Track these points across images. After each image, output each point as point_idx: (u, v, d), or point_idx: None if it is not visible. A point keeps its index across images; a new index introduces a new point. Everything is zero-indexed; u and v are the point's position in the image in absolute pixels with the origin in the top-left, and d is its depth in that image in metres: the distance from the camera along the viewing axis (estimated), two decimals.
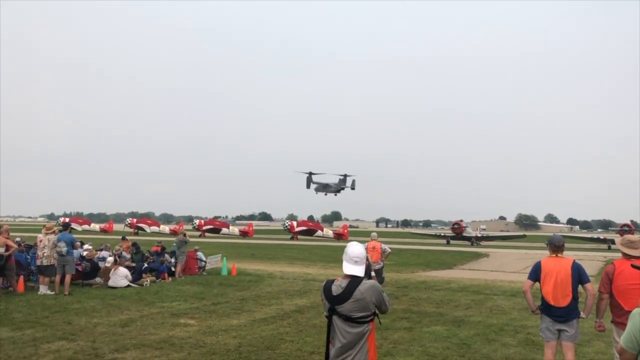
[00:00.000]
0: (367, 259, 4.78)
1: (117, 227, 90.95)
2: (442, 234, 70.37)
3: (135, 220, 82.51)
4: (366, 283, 4.21)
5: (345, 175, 73.32)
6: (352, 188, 72.86)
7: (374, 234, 15.21)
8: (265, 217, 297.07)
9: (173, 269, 19.11)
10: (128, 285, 15.95)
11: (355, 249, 4.36)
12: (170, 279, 18.06)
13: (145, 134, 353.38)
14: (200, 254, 21.02)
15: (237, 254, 33.19)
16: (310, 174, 72.17)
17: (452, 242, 62.82)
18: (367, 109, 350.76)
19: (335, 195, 73.66)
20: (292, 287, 16.53)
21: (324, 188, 72.36)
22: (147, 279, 16.90)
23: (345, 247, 4.48)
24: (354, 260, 4.29)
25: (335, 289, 4.24)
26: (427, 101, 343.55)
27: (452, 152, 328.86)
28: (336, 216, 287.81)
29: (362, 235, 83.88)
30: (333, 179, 73.51)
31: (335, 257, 31.90)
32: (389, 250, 14.97)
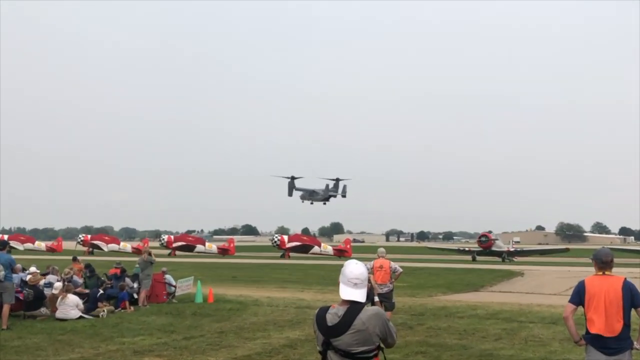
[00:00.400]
0: (370, 281, 4.82)
1: (68, 245, 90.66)
2: (467, 249, 70.69)
3: (89, 236, 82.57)
4: (368, 310, 4.20)
5: (337, 180, 73.56)
6: (343, 195, 73.36)
7: (382, 249, 15.23)
8: (249, 230, 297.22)
9: (136, 295, 19.07)
10: (80, 317, 15.90)
11: (354, 268, 4.35)
12: (132, 308, 18.02)
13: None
14: (169, 277, 21.01)
15: (214, 277, 33.08)
16: (292, 178, 72.53)
17: (478, 258, 62.96)
18: (374, 95, 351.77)
19: (324, 204, 74.42)
20: (282, 317, 16.52)
21: (310, 195, 72.76)
22: (104, 309, 16.86)
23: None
24: (352, 282, 4.27)
25: (331, 318, 4.22)
26: (450, 86, 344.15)
27: (477, 149, 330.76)
28: (337, 229, 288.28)
29: (368, 251, 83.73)
30: (320, 184, 74.03)
31: (336, 279, 31.63)
32: (400, 269, 14.97)
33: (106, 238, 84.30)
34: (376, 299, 5.17)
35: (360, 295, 4.24)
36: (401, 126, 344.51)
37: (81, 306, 16.24)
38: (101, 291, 17.92)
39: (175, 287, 20.77)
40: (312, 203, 74.38)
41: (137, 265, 20.11)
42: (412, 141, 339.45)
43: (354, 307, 4.20)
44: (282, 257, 67.07)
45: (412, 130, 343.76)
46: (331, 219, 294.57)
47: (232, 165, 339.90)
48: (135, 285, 19.58)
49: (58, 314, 15.79)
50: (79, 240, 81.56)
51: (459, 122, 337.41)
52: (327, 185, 73.11)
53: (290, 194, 73.07)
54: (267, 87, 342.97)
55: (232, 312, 17.34)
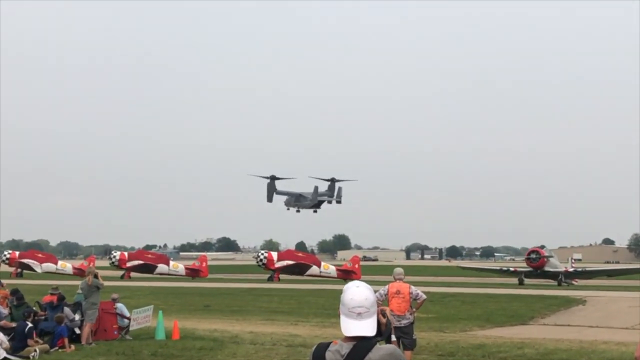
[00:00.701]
0: (385, 313, 4.79)
1: None
2: (512, 269, 70.47)
3: (17, 253, 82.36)
4: (381, 349, 4.18)
5: (333, 180, 73.41)
6: (338, 201, 73.41)
7: (399, 270, 15.26)
8: (227, 245, 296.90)
9: (78, 330, 19.06)
10: (4, 359, 15.88)
11: (355, 293, 4.32)
12: (72, 347, 18.02)
13: (33, 117, 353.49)
14: (121, 307, 21.00)
15: (181, 306, 33.06)
16: (273, 178, 72.40)
17: (527, 281, 62.88)
18: (387, 82, 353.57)
19: (315, 211, 74.60)
20: (269, 358, 16.47)
21: (296, 201, 72.75)
22: (36, 348, 16.86)
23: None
24: (355, 311, 4.23)
25: (332, 358, 4.22)
26: (482, 72, 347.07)
27: (523, 144, 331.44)
28: (342, 243, 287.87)
29: (383, 272, 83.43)
30: (309, 187, 74.38)
31: None
32: (424, 296, 14.98)
33: (39, 255, 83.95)
34: (393, 337, 5.16)
35: (367, 328, 4.20)
36: (428, 123, 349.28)
37: (6, 344, 16.25)
38: (30, 325, 17.90)
39: (129, 319, 20.73)
40: (298, 210, 74.65)
41: (80, 291, 20.13)
42: (439, 139, 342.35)
43: (361, 345, 4.17)
44: (270, 280, 66.87)
45: (442, 127, 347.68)
46: (334, 230, 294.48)
47: (204, 158, 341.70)
48: (77, 317, 19.57)
49: None
50: (4, 258, 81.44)
51: (500, 113, 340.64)
52: (316, 188, 73.14)
53: (269, 199, 73.11)
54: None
55: (203, 353, 17.33)
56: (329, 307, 33.21)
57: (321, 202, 73.66)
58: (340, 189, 73.48)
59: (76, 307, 20.21)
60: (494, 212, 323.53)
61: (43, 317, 19.78)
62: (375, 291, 15.60)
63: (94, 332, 19.37)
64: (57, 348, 17.82)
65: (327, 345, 4.28)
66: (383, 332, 4.37)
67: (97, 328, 19.77)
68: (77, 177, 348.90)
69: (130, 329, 20.66)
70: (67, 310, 19.66)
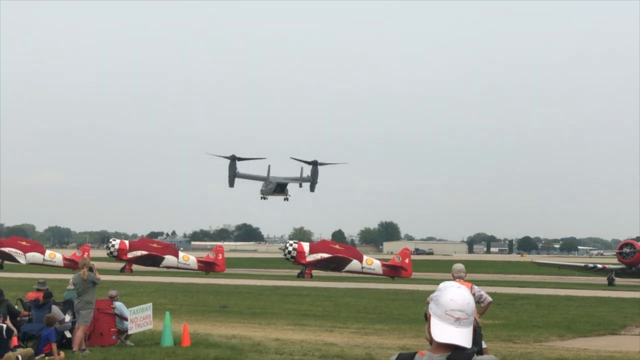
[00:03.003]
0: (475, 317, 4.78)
1: None
2: (600, 266, 69.83)
3: None
4: None
5: (316, 163, 74.38)
6: (312, 187, 74.50)
7: (460, 266, 15.28)
8: (248, 234, 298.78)
9: (68, 334, 19.27)
10: None
11: (456, 295, 4.35)
12: (62, 354, 18.24)
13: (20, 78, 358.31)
14: (120, 306, 21.18)
15: (193, 306, 33.34)
16: (234, 159, 73.79)
17: (619, 280, 62.32)
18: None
19: (286, 199, 76.24)
20: None
21: (275, 189, 74.68)
22: (18, 356, 17.07)
23: (427, 290, 4.40)
24: (454, 315, 4.26)
25: None
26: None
27: (615, 121, 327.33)
28: (389, 233, 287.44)
29: (439, 268, 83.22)
30: (290, 170, 75.62)
31: (389, 312, 31.82)
32: (489, 298, 15.02)
33: (23, 243, 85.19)
34: (484, 343, 5.18)
35: (465, 337, 4.24)
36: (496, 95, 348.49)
37: None
38: (11, 329, 18.11)
39: (129, 320, 20.89)
40: (264, 198, 76.41)
41: (72, 287, 20.32)
42: (512, 115, 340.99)
43: (457, 356, 4.21)
44: (301, 276, 67.22)
45: (516, 102, 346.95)
46: (380, 217, 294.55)
47: (218, 130, 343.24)
48: (68, 318, 19.78)
49: None
50: None
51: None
52: (269, 167, 74.86)
53: (231, 184, 75.03)
54: None
55: None
56: (373, 310, 33.27)
57: (282, 185, 74.89)
58: (316, 171, 74.32)
59: (67, 306, 20.41)
60: (578, 196, 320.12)
61: (26, 318, 20.01)
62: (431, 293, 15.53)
63: (87, 336, 19.57)
64: (43, 355, 18.02)
65: (412, 356, 4.31)
66: (474, 339, 4.39)
67: (92, 332, 19.98)
68: (68, 150, 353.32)
69: (129, 332, 20.85)
70: (55, 309, 19.85)
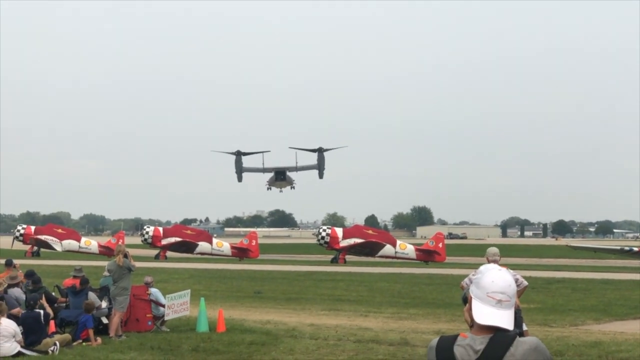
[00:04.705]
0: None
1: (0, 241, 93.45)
2: (636, 249, 69.07)
3: (32, 228, 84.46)
4: (524, 342, 4.23)
5: (320, 150, 74.30)
6: (320, 174, 74.40)
7: (494, 250, 15.21)
8: (281, 220, 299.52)
9: (105, 320, 19.45)
10: (19, 353, 16.30)
11: (497, 277, 4.37)
12: (99, 340, 18.40)
13: (56, 72, 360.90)
14: (155, 292, 21.34)
15: (227, 292, 33.51)
16: (239, 154, 74.38)
17: None
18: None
19: (292, 187, 76.66)
20: (334, 356, 16.56)
21: (279, 178, 75.10)
22: (56, 342, 17.23)
23: (460, 275, 4.40)
24: (495, 297, 4.30)
25: (463, 354, 4.27)
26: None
27: None
28: (423, 217, 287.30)
29: (473, 252, 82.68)
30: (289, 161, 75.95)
31: (423, 297, 31.79)
32: (525, 282, 15.00)
33: (59, 231, 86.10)
34: (525, 326, 5.22)
35: (506, 319, 4.27)
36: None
37: (20, 337, 16.62)
38: (49, 314, 18.30)
39: (165, 306, 21.07)
40: (269, 188, 76.99)
41: (107, 274, 20.48)
42: (545, 97, 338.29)
43: (500, 338, 4.23)
44: (334, 261, 67.30)
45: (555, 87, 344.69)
46: (413, 202, 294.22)
47: (248, 117, 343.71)
48: (105, 304, 19.95)
49: None
50: (17, 234, 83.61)
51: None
52: (262, 159, 74.98)
53: (239, 179, 75.79)
54: None
55: (254, 348, 17.53)
56: (407, 294, 33.25)
57: (280, 172, 75.12)
58: (322, 157, 74.20)
59: (103, 292, 20.60)
60: (613, 178, 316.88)
61: (63, 305, 20.22)
62: (465, 277, 15.46)
63: (124, 322, 19.74)
64: (80, 341, 18.21)
65: (454, 338, 4.35)
66: (515, 321, 4.42)
67: (128, 318, 20.16)
68: (102, 138, 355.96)
69: (166, 318, 21.01)
70: (92, 296, 20.05)
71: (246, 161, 75.15)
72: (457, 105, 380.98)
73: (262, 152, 75.27)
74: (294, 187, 78.04)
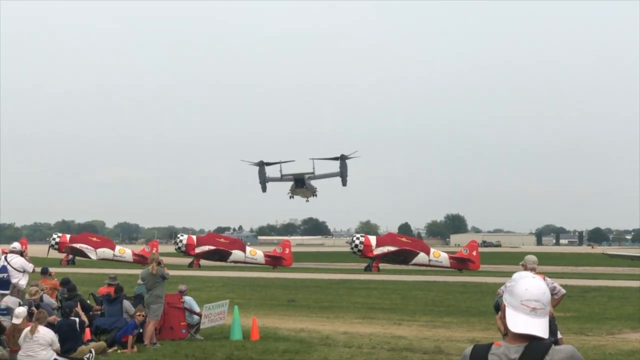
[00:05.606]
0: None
1: (35, 249, 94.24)
2: None
3: (68, 237, 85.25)
4: (560, 350, 4.24)
5: (343, 158, 73.41)
6: (344, 181, 73.19)
7: (532, 258, 15.16)
8: (315, 228, 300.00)
9: (139, 328, 19.53)
10: None
11: (531, 285, 4.39)
12: (134, 348, 18.47)
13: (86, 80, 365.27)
14: (189, 300, 21.40)
15: (261, 300, 33.55)
16: (262, 164, 74.26)
17: None
18: None
19: (314, 195, 75.70)
20: None
21: (298, 185, 74.46)
22: (91, 349, 17.33)
23: (495, 283, 4.37)
24: (529, 305, 4.31)
25: None
26: None
27: None
28: (456, 225, 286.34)
29: (507, 260, 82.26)
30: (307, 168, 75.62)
31: (457, 305, 31.62)
32: (562, 290, 14.93)
33: (94, 239, 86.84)
34: (559, 334, 5.20)
35: (541, 327, 4.28)
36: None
37: (57, 345, 16.72)
38: (84, 321, 18.40)
39: (199, 315, 21.13)
40: (291, 197, 76.61)
41: (141, 282, 20.59)
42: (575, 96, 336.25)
43: (535, 346, 4.24)
44: (368, 269, 67.21)
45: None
46: (446, 210, 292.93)
47: (284, 121, 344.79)
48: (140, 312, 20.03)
49: (21, 356, 16.32)
50: (52, 243, 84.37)
51: None
52: (280, 168, 74.58)
53: (263, 189, 75.53)
54: None
55: (288, 356, 17.56)
56: (440, 302, 33.10)
57: (299, 180, 74.81)
58: (344, 164, 73.73)
59: (137, 300, 20.68)
60: None
61: (98, 312, 20.33)
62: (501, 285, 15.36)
63: (158, 330, 19.80)
64: (115, 348, 18.29)
65: (488, 347, 4.36)
66: (550, 329, 4.42)
67: (162, 326, 20.22)
68: (136, 147, 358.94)
69: (201, 327, 21.07)
70: (126, 304, 20.15)
71: (269, 171, 75.11)
72: (490, 111, 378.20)
73: (285, 162, 75.18)
74: (316, 195, 77.69)
